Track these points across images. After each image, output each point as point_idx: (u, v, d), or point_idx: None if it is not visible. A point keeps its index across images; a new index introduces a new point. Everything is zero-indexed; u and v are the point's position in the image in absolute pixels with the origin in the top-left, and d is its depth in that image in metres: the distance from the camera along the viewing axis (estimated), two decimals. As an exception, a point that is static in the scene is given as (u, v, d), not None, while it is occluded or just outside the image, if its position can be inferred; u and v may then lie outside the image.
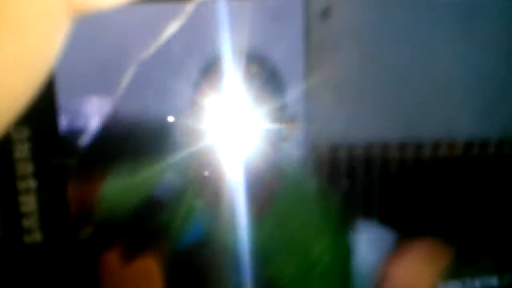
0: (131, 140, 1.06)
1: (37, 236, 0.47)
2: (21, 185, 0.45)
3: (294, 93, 1.08)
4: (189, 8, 0.35)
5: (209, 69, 0.52)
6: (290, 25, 1.09)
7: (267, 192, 0.81)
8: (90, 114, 0.78)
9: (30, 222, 0.46)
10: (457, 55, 1.18)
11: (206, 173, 0.68)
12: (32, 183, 0.46)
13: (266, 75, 0.75)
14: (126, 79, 0.39)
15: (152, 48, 0.34)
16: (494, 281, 0.73)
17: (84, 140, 0.53)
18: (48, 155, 0.46)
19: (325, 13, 1.15)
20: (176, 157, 0.74)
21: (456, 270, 0.66)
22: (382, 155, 1.27)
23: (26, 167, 0.46)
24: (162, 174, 0.79)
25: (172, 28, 0.30)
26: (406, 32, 1.12)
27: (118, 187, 0.83)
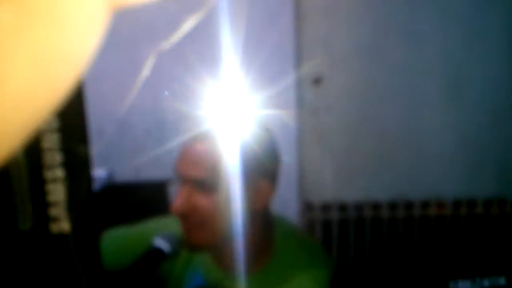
0: (132, 197, 1.08)
1: (64, 226, 0.47)
2: (49, 174, 0.45)
3: (287, 153, 1.11)
4: (208, 3, 0.35)
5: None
6: (284, 91, 1.16)
7: (263, 248, 0.82)
8: (113, 104, 0.79)
9: (58, 211, 0.45)
10: (445, 118, 1.24)
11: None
12: (60, 173, 0.46)
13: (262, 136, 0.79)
14: (146, 70, 0.38)
15: (171, 41, 0.33)
16: (501, 280, 0.74)
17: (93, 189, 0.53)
18: (76, 146, 0.46)
19: (317, 81, 1.24)
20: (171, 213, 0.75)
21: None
22: (373, 214, 1.31)
23: (54, 157, 0.46)
24: (161, 226, 0.80)
25: (191, 22, 0.30)
26: (396, 96, 1.19)
27: (120, 237, 0.83)
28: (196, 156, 0.82)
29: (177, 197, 0.82)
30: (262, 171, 0.83)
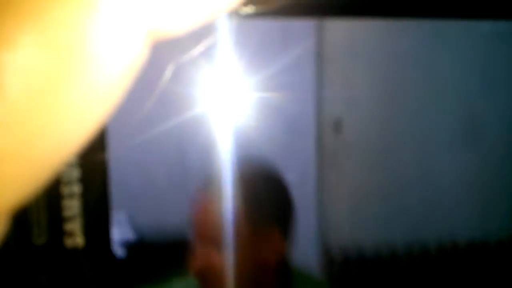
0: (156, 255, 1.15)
1: (79, 240, 0.47)
2: (66, 190, 0.45)
3: (306, 201, 1.17)
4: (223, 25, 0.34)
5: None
6: (305, 138, 1.24)
7: None
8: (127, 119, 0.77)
9: (73, 226, 0.44)
10: (461, 160, 1.32)
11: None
12: (76, 188, 0.45)
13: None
14: (164, 82, 0.37)
15: (189, 56, 0.33)
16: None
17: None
18: (93, 162, 0.45)
19: (337, 125, 1.31)
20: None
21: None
22: (391, 255, 1.36)
23: (71, 173, 0.45)
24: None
25: (206, 44, 0.29)
26: (413, 138, 1.28)
27: None
28: (212, 214, 0.77)
29: (195, 256, 0.79)
30: (272, 219, 0.79)
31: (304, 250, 1.20)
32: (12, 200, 0.14)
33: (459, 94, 1.59)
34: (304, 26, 1.45)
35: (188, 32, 0.16)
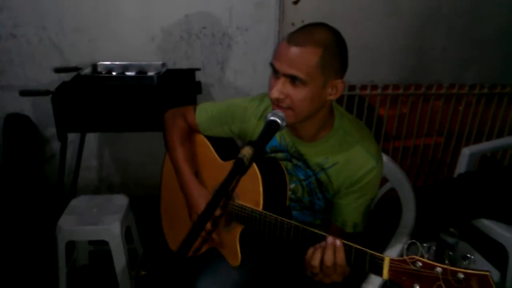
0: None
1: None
2: None
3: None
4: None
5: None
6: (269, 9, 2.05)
7: (326, 124, 1.08)
8: None
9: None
10: (381, 27, 2.13)
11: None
12: None
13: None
14: None
15: None
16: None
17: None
18: None
19: (296, 1, 2.15)
20: None
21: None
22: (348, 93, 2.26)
23: None
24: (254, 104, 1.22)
25: None
26: (350, 13, 2.16)
27: (233, 105, 1.21)
28: (293, 56, 0.98)
29: (274, 86, 1.02)
30: (340, 73, 1.05)
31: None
32: None
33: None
34: None
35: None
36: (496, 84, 2.48)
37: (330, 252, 0.90)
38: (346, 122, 1.14)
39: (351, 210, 1.13)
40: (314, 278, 0.96)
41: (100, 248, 2.04)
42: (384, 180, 1.52)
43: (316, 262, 0.92)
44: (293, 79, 0.98)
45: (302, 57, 0.96)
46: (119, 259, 1.76)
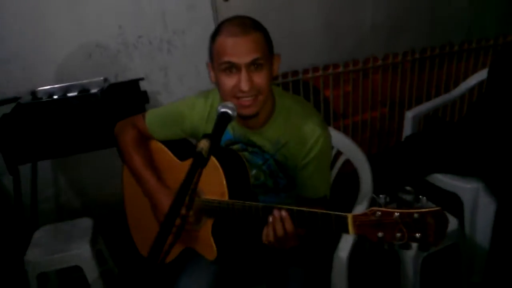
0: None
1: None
2: None
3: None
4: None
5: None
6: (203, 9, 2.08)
7: (270, 105, 1.14)
8: None
9: None
10: (311, 9, 2.20)
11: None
12: None
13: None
14: None
15: None
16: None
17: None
18: None
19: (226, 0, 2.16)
20: None
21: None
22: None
23: None
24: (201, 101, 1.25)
25: None
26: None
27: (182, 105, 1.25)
28: (247, 43, 1.04)
29: (237, 80, 1.06)
30: (273, 50, 1.13)
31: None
32: None
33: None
34: None
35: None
36: (426, 48, 2.64)
37: (279, 225, 0.98)
38: (287, 99, 1.21)
39: (313, 179, 1.19)
40: (271, 246, 1.04)
41: (72, 275, 1.98)
42: (339, 154, 1.60)
43: (270, 237, 1.00)
44: (254, 65, 1.04)
45: (254, 42, 1.04)
46: (95, 283, 1.73)
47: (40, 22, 2.08)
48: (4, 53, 2.09)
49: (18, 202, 1.95)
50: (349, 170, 1.65)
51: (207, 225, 1.18)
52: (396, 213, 0.86)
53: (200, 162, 0.84)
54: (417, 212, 0.84)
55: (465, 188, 1.72)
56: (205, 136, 0.90)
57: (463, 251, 1.72)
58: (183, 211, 0.88)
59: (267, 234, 1.01)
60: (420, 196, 0.86)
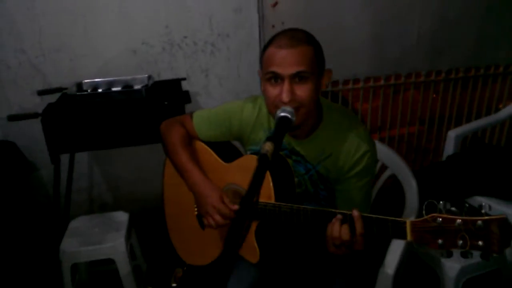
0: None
1: None
2: None
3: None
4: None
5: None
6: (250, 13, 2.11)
7: (316, 118, 1.14)
8: None
9: None
10: (357, 19, 2.16)
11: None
12: None
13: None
14: None
15: None
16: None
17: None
18: None
19: (274, 4, 2.18)
20: None
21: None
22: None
23: None
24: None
25: None
26: (328, 10, 2.21)
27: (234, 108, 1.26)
28: (294, 55, 1.05)
29: (280, 91, 1.07)
30: (324, 64, 1.13)
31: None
32: None
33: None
34: None
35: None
36: (470, 67, 2.59)
37: (359, 223, 0.94)
38: (334, 112, 1.20)
39: (353, 195, 1.18)
40: (338, 253, 1.00)
41: (101, 268, 2.00)
42: (384, 168, 1.57)
43: (336, 233, 0.95)
44: (298, 77, 1.04)
45: (301, 54, 1.04)
46: (126, 277, 1.73)
47: (90, 16, 2.13)
48: (55, 42, 2.14)
49: (56, 191, 1.97)
50: (388, 184, 1.62)
51: (251, 227, 1.17)
52: (458, 220, 0.83)
53: (266, 164, 0.84)
54: (481, 220, 0.81)
55: (508, 213, 1.68)
56: (269, 139, 0.90)
57: (505, 277, 1.67)
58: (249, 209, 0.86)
59: (333, 231, 0.96)
60: (483, 203, 0.83)
